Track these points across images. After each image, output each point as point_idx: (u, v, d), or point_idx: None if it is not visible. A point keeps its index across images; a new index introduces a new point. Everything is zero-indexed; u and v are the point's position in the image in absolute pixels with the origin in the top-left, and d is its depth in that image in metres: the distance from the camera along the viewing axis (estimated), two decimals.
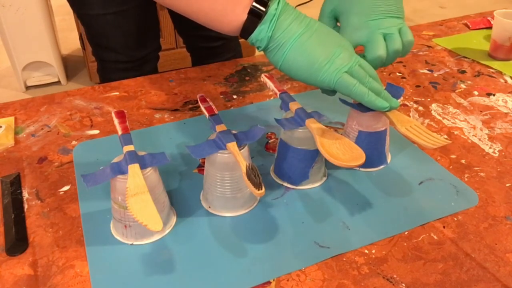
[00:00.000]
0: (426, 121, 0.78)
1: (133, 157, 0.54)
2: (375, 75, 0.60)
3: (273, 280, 0.51)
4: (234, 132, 0.59)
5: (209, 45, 1.17)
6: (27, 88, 2.24)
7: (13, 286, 0.50)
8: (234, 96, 0.85)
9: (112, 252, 0.54)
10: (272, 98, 0.85)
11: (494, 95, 0.86)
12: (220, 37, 1.18)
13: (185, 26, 1.16)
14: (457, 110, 0.81)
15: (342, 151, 0.55)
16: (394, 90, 0.67)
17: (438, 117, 0.79)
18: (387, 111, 0.59)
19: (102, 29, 1.00)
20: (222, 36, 1.20)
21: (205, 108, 0.63)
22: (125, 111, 0.62)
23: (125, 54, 1.03)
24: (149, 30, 1.07)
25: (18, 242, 0.55)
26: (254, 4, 0.55)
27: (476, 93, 0.86)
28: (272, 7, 0.56)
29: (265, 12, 0.56)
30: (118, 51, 1.03)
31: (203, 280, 0.51)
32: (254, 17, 0.56)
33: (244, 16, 0.56)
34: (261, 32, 0.56)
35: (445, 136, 0.74)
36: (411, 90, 0.87)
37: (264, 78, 0.71)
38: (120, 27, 0.99)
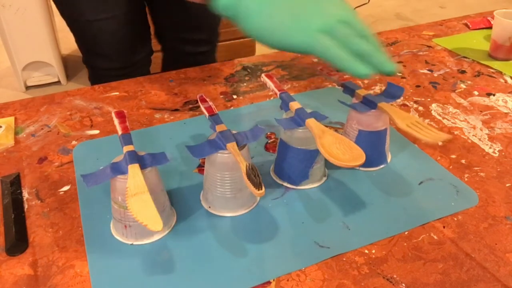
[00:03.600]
0: (426, 121, 0.78)
1: (133, 157, 0.54)
2: (366, 32, 0.52)
3: (273, 280, 0.51)
4: (234, 132, 0.59)
5: (196, 51, 1.13)
6: (27, 88, 2.24)
7: (13, 286, 0.50)
8: (234, 96, 0.85)
9: (112, 252, 0.54)
10: (272, 98, 0.85)
11: (494, 95, 0.86)
12: (208, 41, 1.14)
13: (172, 27, 1.12)
14: (457, 110, 0.81)
15: (342, 151, 0.55)
16: (394, 90, 0.67)
17: (438, 117, 0.79)
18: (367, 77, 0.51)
19: (94, 36, 0.98)
20: (210, 40, 1.17)
21: (205, 108, 0.63)
22: (125, 111, 0.62)
23: (118, 60, 1.02)
24: (141, 34, 1.06)
25: (18, 242, 0.55)
26: None
27: (476, 93, 0.86)
28: None
29: None
30: (111, 57, 1.01)
31: (203, 280, 0.51)
32: None
33: None
34: None
35: None
36: (411, 90, 0.87)
37: (264, 78, 0.71)
38: (113, 33, 0.98)
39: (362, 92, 0.66)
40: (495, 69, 0.94)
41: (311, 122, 0.59)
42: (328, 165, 0.65)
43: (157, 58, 1.15)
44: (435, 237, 0.56)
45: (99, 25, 0.95)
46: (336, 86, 0.87)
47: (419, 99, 0.84)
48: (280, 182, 0.64)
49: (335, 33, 0.50)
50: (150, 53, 1.10)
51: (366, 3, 2.93)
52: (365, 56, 0.50)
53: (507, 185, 0.64)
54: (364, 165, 0.60)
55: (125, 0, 0.97)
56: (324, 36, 0.49)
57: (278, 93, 0.67)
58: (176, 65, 0.96)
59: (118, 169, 0.53)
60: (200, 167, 0.67)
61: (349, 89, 0.68)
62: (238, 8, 0.52)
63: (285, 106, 0.65)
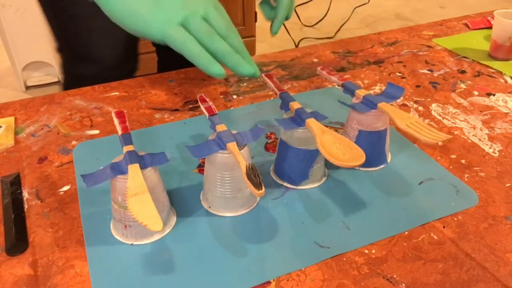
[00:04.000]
0: (426, 121, 0.78)
1: (133, 157, 0.54)
2: (227, 30, 0.50)
3: (273, 280, 0.51)
4: (234, 132, 0.59)
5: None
6: (27, 88, 2.24)
7: (13, 286, 0.50)
8: (234, 96, 0.85)
9: (112, 252, 0.54)
10: (272, 98, 0.85)
11: (494, 95, 0.86)
12: None
13: None
14: (457, 110, 0.81)
15: (342, 151, 0.55)
16: (394, 90, 0.67)
17: (438, 117, 0.79)
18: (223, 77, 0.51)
19: (86, 37, 0.87)
20: None
21: (205, 108, 0.63)
22: (125, 111, 0.62)
23: (109, 67, 0.92)
24: (134, 43, 0.96)
25: (18, 242, 0.55)
26: None
27: (476, 93, 0.86)
28: None
29: None
30: (102, 63, 0.91)
31: (203, 280, 0.51)
32: None
33: None
34: None
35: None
36: (411, 90, 0.87)
37: (264, 78, 0.71)
38: (110, 32, 0.87)
39: (362, 92, 0.66)
40: (495, 69, 0.94)
41: (311, 122, 0.59)
42: (328, 165, 0.65)
43: (154, 59, 1.14)
44: (435, 237, 0.56)
45: (96, 24, 0.86)
46: (336, 86, 0.87)
47: (419, 99, 0.84)
48: (280, 182, 0.64)
49: (195, 28, 0.48)
50: (136, 67, 1.01)
51: (366, 3, 2.93)
52: (223, 55, 0.49)
53: (507, 185, 0.64)
54: (364, 165, 0.60)
55: None
56: (182, 30, 0.48)
57: (278, 93, 0.67)
58: (171, 67, 0.92)
59: (118, 169, 0.53)
60: (200, 167, 0.67)
61: (349, 89, 0.68)
62: None
63: (285, 106, 0.65)
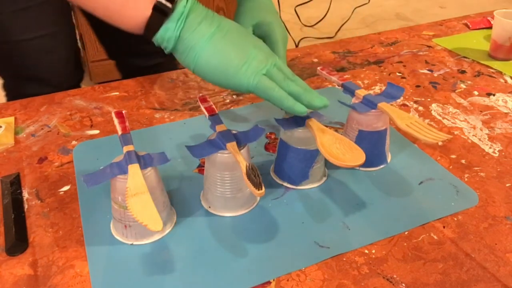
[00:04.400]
0: (426, 121, 0.78)
1: (133, 157, 0.54)
2: (293, 75, 0.57)
3: (273, 280, 0.51)
4: (234, 132, 0.59)
5: (149, 64, 1.05)
6: None
7: (13, 286, 0.50)
8: (234, 96, 0.85)
9: (112, 252, 0.54)
10: None
11: (494, 95, 0.86)
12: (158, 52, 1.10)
13: (121, 45, 1.03)
14: (457, 110, 0.81)
15: (342, 151, 0.55)
16: (394, 90, 0.67)
17: (438, 117, 0.79)
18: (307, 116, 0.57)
19: (27, 57, 0.87)
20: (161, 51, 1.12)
21: (205, 108, 0.63)
22: (125, 111, 0.62)
23: (51, 84, 0.90)
24: (76, 54, 0.97)
25: (18, 242, 0.55)
26: None
27: (476, 93, 0.86)
28: (181, 3, 0.51)
29: (172, 9, 0.51)
30: (45, 81, 0.90)
31: (203, 280, 0.51)
32: (160, 14, 0.51)
33: (148, 12, 0.51)
34: (167, 31, 0.52)
35: None
36: (411, 90, 0.87)
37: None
38: (50, 52, 0.88)
39: (362, 92, 0.66)
40: (495, 69, 0.94)
41: (311, 122, 0.59)
42: (328, 165, 0.65)
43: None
44: (435, 237, 0.56)
45: (35, 44, 0.85)
46: (336, 86, 0.87)
47: (419, 99, 0.84)
48: (280, 182, 0.64)
49: (275, 77, 0.54)
50: (81, 78, 1.01)
51: (366, 3, 2.93)
52: (299, 96, 0.55)
53: (507, 185, 0.64)
54: (364, 165, 0.60)
55: (57, 17, 0.88)
56: (267, 79, 0.54)
57: None
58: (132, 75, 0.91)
59: (118, 169, 0.53)
60: (200, 167, 0.67)
61: (349, 89, 0.68)
62: (182, 42, 0.53)
63: None
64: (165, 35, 0.52)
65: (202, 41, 0.53)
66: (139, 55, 1.06)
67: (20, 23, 0.83)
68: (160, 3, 0.51)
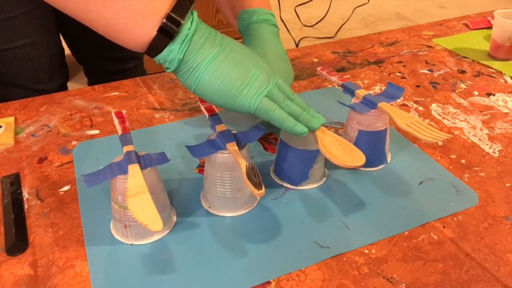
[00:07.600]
0: (426, 121, 0.78)
1: (133, 157, 0.54)
2: (293, 94, 0.57)
3: (273, 280, 0.51)
4: (234, 132, 0.59)
5: (124, 68, 1.05)
6: None
7: (13, 286, 0.50)
8: None
9: (112, 252, 0.54)
10: None
11: (494, 95, 0.86)
12: (135, 56, 1.07)
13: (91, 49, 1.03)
14: (457, 110, 0.81)
15: (342, 152, 0.55)
16: (394, 90, 0.67)
17: (438, 117, 0.79)
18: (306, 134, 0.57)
19: (7, 66, 0.88)
20: (137, 55, 1.08)
21: (205, 108, 0.63)
22: (125, 111, 0.62)
23: (35, 88, 0.92)
24: (59, 60, 0.98)
25: (18, 242, 0.55)
26: (166, 22, 0.50)
27: (476, 93, 0.86)
28: (185, 26, 0.51)
29: (178, 32, 0.51)
30: (27, 86, 0.91)
31: (203, 280, 0.51)
32: (165, 36, 0.51)
33: (153, 33, 0.51)
34: (171, 52, 0.51)
35: None
36: (411, 90, 0.87)
37: None
38: (30, 60, 0.88)
39: (362, 92, 0.66)
40: (495, 69, 0.94)
41: None
42: (328, 165, 0.65)
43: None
44: (435, 237, 0.56)
45: (15, 53, 0.86)
46: (336, 86, 0.87)
47: (419, 99, 0.85)
48: (280, 182, 0.64)
49: (275, 97, 0.55)
50: (66, 80, 1.02)
51: (366, 3, 2.93)
52: (298, 116, 0.56)
53: (507, 185, 0.64)
54: (364, 165, 0.60)
55: (40, 25, 0.88)
56: (268, 100, 0.54)
57: None
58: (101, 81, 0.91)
59: (118, 169, 0.53)
60: (200, 167, 0.67)
61: (349, 89, 0.68)
62: (184, 64, 0.53)
63: None
64: (168, 56, 0.52)
65: (205, 62, 0.52)
66: (109, 60, 1.06)
67: (1, 33, 0.84)
68: (166, 25, 0.50)
